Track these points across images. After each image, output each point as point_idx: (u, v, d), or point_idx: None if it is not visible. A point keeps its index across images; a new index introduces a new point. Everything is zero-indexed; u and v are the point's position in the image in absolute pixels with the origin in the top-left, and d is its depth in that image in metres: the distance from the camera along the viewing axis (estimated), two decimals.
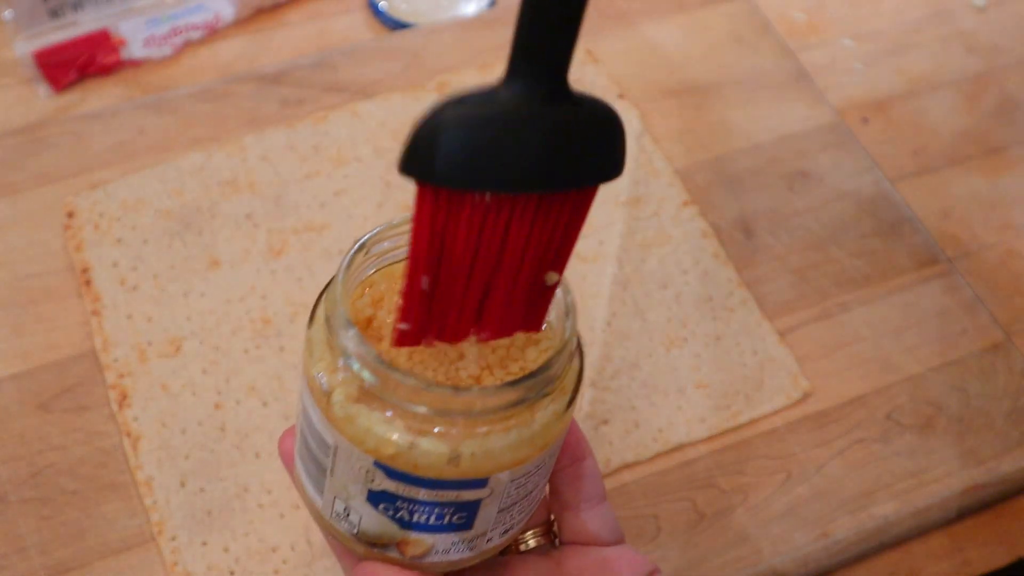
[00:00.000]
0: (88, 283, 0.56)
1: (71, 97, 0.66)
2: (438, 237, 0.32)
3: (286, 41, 0.70)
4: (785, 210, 0.63)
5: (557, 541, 0.41)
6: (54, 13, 0.67)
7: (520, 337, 0.36)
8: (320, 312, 0.35)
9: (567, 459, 0.39)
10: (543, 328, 0.36)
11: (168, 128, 0.63)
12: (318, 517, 0.38)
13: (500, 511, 0.36)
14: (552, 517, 0.41)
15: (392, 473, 0.33)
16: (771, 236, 0.62)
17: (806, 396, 0.56)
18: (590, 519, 0.39)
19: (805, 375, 0.56)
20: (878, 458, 0.54)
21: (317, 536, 0.50)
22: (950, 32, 0.74)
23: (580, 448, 0.40)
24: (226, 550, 0.49)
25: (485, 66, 0.67)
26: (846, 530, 0.52)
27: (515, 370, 0.35)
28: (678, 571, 0.51)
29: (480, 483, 0.34)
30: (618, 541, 0.40)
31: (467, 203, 0.31)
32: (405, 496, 0.34)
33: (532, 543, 0.41)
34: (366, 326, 0.35)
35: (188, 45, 0.69)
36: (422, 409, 0.32)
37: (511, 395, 0.33)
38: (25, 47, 0.66)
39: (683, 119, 0.66)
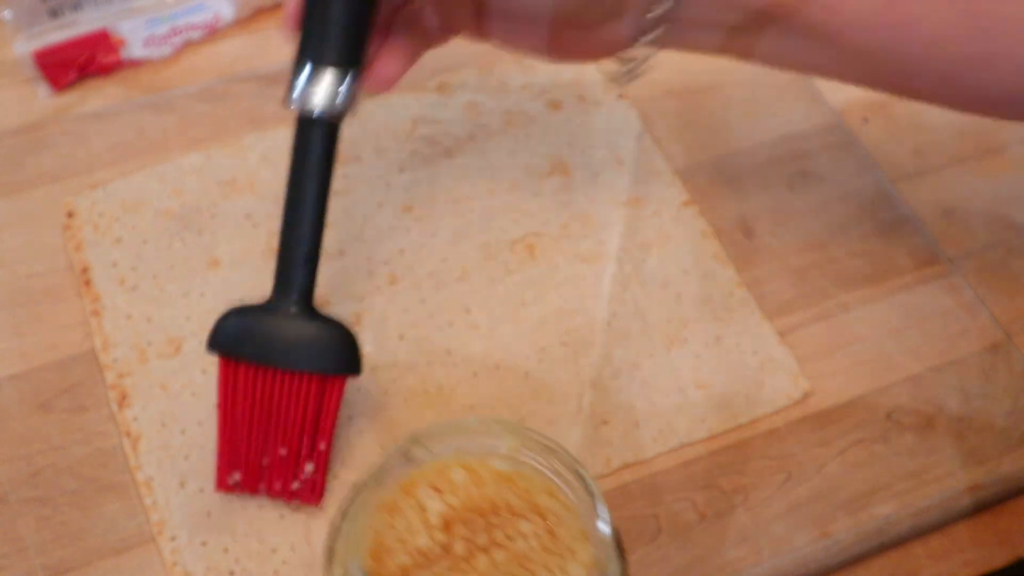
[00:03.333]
0: (88, 283, 0.56)
1: (71, 97, 0.66)
2: (228, 397, 0.48)
3: (286, 41, 0.70)
4: (785, 210, 0.63)
5: None
6: (54, 13, 0.67)
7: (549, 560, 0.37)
8: (337, 551, 0.37)
9: None
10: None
11: (168, 128, 0.63)
12: None
13: None
14: None
15: None
16: (771, 236, 0.62)
17: (806, 396, 0.56)
18: None
19: (805, 375, 0.56)
20: (878, 458, 0.54)
21: (317, 537, 0.50)
22: None
23: None
24: (226, 551, 0.49)
25: (485, 66, 0.67)
26: (846, 530, 0.52)
27: None
28: (678, 571, 0.51)
29: None
30: None
31: (240, 370, 0.47)
32: None
33: None
34: (383, 555, 0.36)
35: (188, 45, 0.69)
36: None
37: None
38: (24, 47, 0.66)
39: (683, 119, 0.66)
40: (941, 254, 0.62)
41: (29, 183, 0.60)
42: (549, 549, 0.36)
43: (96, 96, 0.66)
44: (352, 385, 0.54)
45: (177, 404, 0.53)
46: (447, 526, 0.36)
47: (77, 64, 0.66)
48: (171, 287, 0.56)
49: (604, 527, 0.36)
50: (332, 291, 0.57)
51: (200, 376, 0.54)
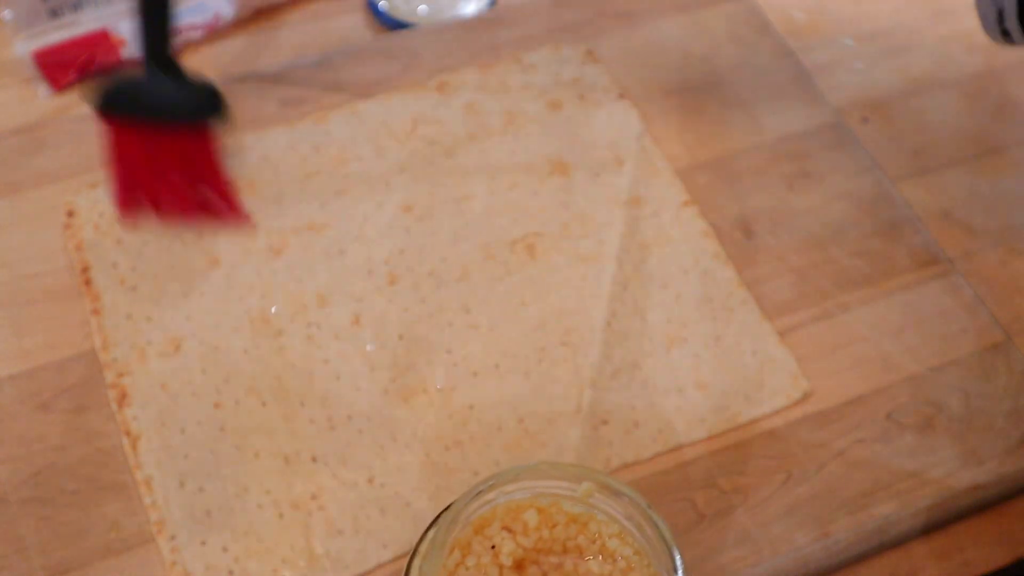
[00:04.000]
0: (88, 282, 0.56)
1: (71, 97, 0.66)
2: (117, 150, 0.53)
3: (286, 41, 0.70)
4: (785, 210, 0.63)
5: None
6: (54, 13, 0.67)
7: None
8: None
9: None
10: None
11: None
12: None
13: None
14: None
15: None
16: (771, 236, 0.62)
17: (806, 396, 0.56)
18: None
19: (805, 375, 0.56)
20: (878, 458, 0.54)
21: (316, 536, 0.50)
22: (950, 32, 0.74)
23: None
24: (225, 550, 0.49)
25: (485, 66, 0.67)
26: (846, 530, 0.52)
27: None
28: None
29: None
30: None
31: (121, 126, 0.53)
32: None
33: None
34: None
35: (188, 45, 0.69)
36: None
37: None
38: (25, 47, 0.66)
39: (683, 119, 0.66)
40: (941, 254, 0.62)
41: (29, 183, 0.60)
42: None
43: None
44: (350, 385, 0.54)
45: (177, 403, 0.53)
46: (518, 566, 0.37)
47: (77, 64, 0.66)
48: (171, 287, 0.56)
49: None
50: (332, 291, 0.57)
51: (200, 376, 0.54)
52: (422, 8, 0.72)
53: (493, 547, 0.37)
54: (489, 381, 0.55)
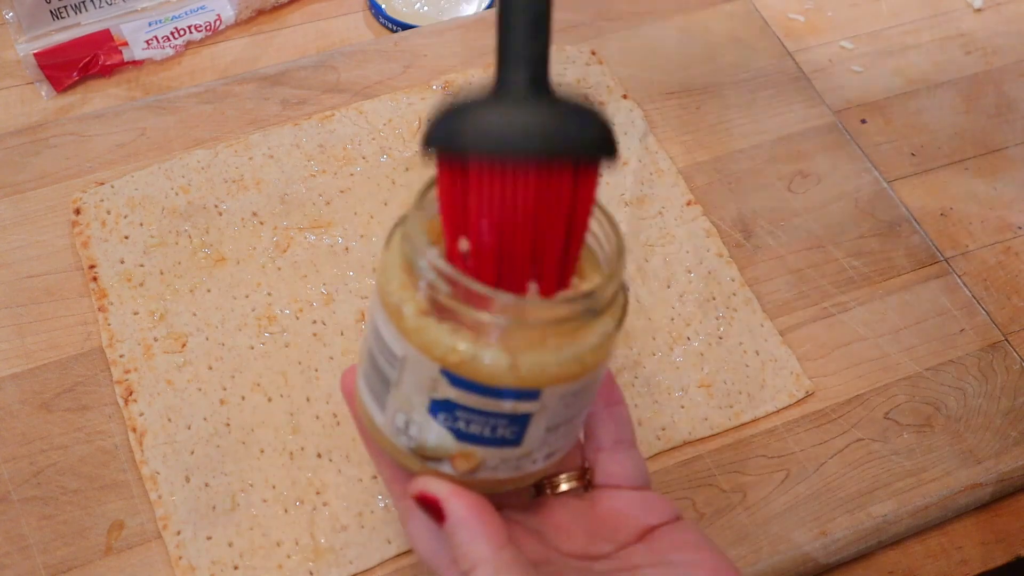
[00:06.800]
0: (95, 279, 0.56)
1: (73, 98, 0.66)
2: (459, 203, 0.36)
3: (287, 42, 0.70)
4: (784, 210, 0.63)
5: (589, 487, 0.42)
6: (56, 14, 0.67)
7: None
8: (396, 234, 0.38)
9: (603, 403, 0.42)
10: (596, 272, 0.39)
11: (170, 128, 0.63)
12: (379, 437, 0.40)
13: (547, 430, 0.38)
14: (585, 464, 0.43)
15: (455, 380, 0.36)
16: (770, 236, 0.62)
17: (808, 396, 0.56)
18: (621, 461, 0.42)
19: (804, 375, 0.57)
20: (877, 457, 0.55)
21: (320, 531, 0.50)
22: (948, 33, 0.74)
23: (614, 394, 0.43)
24: (230, 545, 0.50)
25: (486, 66, 0.67)
26: (845, 529, 0.52)
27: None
28: None
29: (533, 394, 0.36)
30: (646, 486, 0.42)
31: (477, 171, 0.35)
32: (464, 405, 0.36)
33: (565, 487, 0.42)
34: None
35: (189, 46, 0.69)
36: (485, 317, 0.35)
37: (567, 309, 0.36)
38: (27, 48, 0.66)
39: (683, 119, 0.66)
40: (939, 254, 0.62)
41: (31, 184, 0.60)
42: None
43: (98, 97, 0.66)
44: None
45: (183, 399, 0.53)
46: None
47: (79, 65, 0.66)
48: (177, 283, 0.56)
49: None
50: (337, 288, 0.57)
51: (206, 372, 0.54)
52: (422, 9, 0.72)
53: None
54: None
